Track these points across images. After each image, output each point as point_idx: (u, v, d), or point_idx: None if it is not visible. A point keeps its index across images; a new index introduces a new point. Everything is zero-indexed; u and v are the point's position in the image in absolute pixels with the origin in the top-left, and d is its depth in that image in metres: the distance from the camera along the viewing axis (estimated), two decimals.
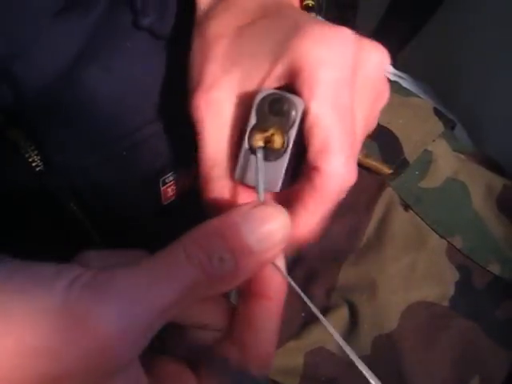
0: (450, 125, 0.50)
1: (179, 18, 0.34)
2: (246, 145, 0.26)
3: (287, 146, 0.26)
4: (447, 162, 0.47)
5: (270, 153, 0.26)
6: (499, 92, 0.57)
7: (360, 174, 0.44)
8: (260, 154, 0.26)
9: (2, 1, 0.29)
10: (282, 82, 0.27)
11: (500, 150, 0.52)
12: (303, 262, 0.40)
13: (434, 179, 0.46)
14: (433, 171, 0.46)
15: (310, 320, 0.41)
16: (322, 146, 0.26)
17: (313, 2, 0.35)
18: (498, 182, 0.47)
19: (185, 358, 0.25)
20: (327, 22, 0.28)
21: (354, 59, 0.27)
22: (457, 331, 0.41)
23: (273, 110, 0.26)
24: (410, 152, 0.46)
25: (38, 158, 0.32)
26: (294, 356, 0.40)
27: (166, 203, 0.35)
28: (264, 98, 0.26)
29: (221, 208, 0.27)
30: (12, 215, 0.33)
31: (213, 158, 0.28)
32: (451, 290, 0.42)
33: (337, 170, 0.26)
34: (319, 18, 0.39)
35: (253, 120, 0.26)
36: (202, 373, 0.25)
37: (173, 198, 0.35)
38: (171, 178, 0.35)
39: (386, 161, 0.45)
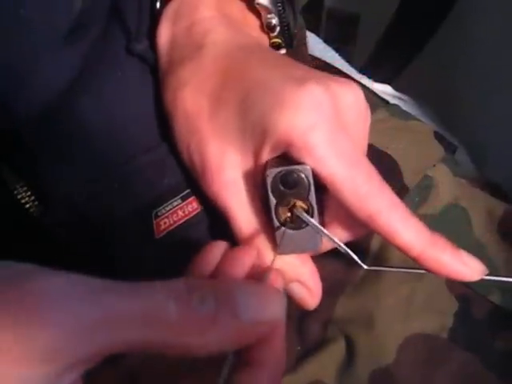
0: (451, 149, 0.49)
1: None
2: (276, 223, 0.28)
3: (313, 210, 0.28)
4: (448, 188, 0.46)
5: (300, 221, 0.28)
6: (502, 115, 0.57)
7: None
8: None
9: (6, 32, 0.29)
10: (278, 153, 0.28)
11: (502, 173, 0.51)
12: None
13: (435, 205, 0.45)
14: (433, 197, 0.45)
15: (306, 353, 0.40)
16: (357, 199, 0.27)
17: (279, 41, 0.36)
18: (499, 207, 0.46)
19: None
20: (294, 73, 0.29)
21: (333, 106, 0.28)
22: (456, 364, 0.40)
23: (286, 185, 0.27)
24: (410, 178, 0.45)
25: (24, 189, 0.32)
26: None
27: (158, 237, 0.34)
28: (274, 178, 0.27)
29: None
30: None
31: (250, 236, 0.30)
32: (450, 322, 0.41)
33: (379, 204, 0.28)
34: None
35: (273, 200, 0.28)
36: None
37: (166, 231, 0.35)
38: (163, 211, 0.34)
39: None
